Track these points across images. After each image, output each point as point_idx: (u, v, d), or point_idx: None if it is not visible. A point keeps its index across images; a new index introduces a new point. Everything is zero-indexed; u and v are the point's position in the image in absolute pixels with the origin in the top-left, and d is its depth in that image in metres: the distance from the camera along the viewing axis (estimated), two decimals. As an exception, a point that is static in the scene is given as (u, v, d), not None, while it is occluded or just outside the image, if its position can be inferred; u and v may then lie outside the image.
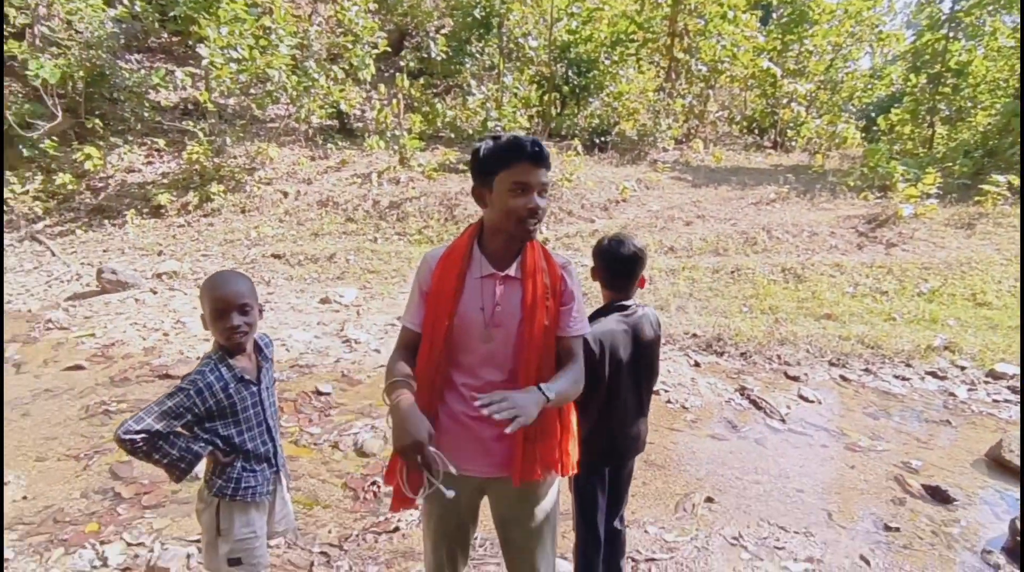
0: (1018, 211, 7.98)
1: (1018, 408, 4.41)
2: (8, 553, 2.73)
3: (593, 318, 2.03)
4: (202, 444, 1.79)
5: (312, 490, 3.24)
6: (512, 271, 1.61)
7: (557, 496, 1.78)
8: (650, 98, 12.59)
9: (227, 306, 1.77)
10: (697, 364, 5.07)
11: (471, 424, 1.63)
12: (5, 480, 3.29)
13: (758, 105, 13.84)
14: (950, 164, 10.35)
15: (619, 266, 2.07)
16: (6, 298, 6.53)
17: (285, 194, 9.06)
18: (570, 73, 11.93)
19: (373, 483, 3.27)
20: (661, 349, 2.27)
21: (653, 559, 2.76)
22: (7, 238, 8.17)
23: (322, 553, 2.75)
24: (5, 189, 8.49)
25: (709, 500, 3.24)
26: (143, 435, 1.66)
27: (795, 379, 4.85)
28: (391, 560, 2.72)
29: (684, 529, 2.99)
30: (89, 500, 3.14)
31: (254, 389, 1.87)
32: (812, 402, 4.48)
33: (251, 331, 1.84)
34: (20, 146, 8.73)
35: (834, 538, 2.98)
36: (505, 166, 1.51)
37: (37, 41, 9.15)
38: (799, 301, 6.35)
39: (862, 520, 3.14)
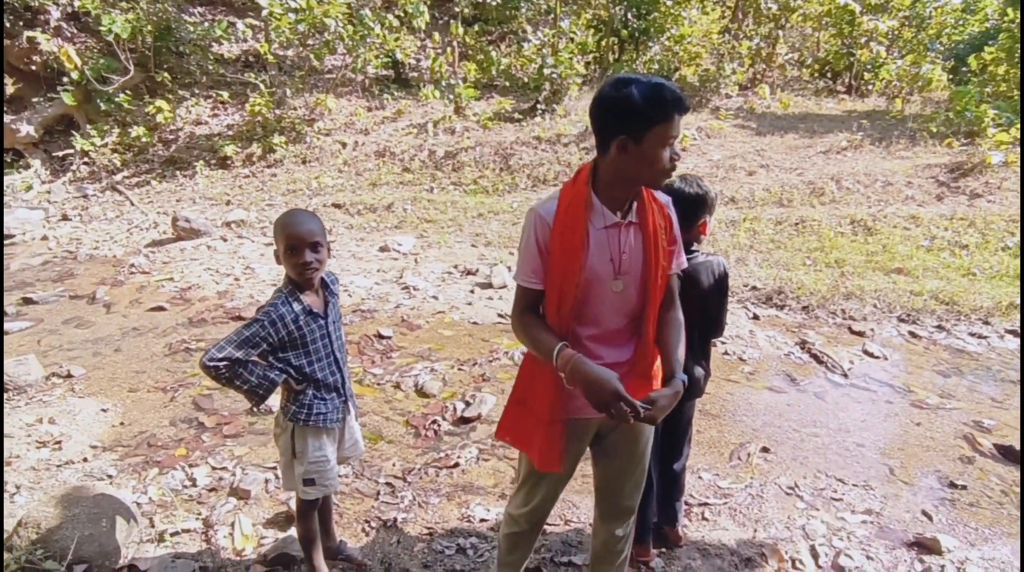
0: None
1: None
2: (111, 470, 3.03)
3: None
4: (277, 372, 1.92)
5: (376, 426, 3.42)
6: (632, 217, 1.60)
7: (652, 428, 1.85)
8: (714, 41, 11.91)
9: (300, 243, 1.86)
10: (756, 317, 4.97)
11: None
12: (104, 408, 3.63)
13: (832, 46, 12.86)
14: (1049, 107, 9.45)
15: (687, 203, 2.03)
16: (95, 244, 7.00)
17: (344, 145, 9.20)
18: (629, 16, 11.40)
19: (433, 421, 3.42)
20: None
21: (707, 504, 2.81)
22: (92, 188, 8.69)
23: (387, 484, 2.92)
24: (87, 142, 8.96)
25: (765, 450, 3.24)
26: (225, 362, 1.81)
27: (860, 334, 4.69)
28: (452, 493, 2.87)
29: (739, 477, 3.01)
30: (177, 428, 3.42)
31: (322, 322, 1.98)
32: (877, 358, 4.34)
33: (321, 268, 1.94)
34: (98, 100, 9.16)
35: (895, 493, 2.93)
36: (666, 118, 1.43)
37: (108, -4, 9.43)
38: (868, 254, 6.06)
39: (926, 477, 3.07)
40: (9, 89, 9.25)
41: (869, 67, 12.08)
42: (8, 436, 3.27)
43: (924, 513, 2.79)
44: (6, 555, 2.22)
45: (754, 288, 5.40)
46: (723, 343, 4.47)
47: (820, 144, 8.80)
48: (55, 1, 9.19)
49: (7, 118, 9.16)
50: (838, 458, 3.20)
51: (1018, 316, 4.89)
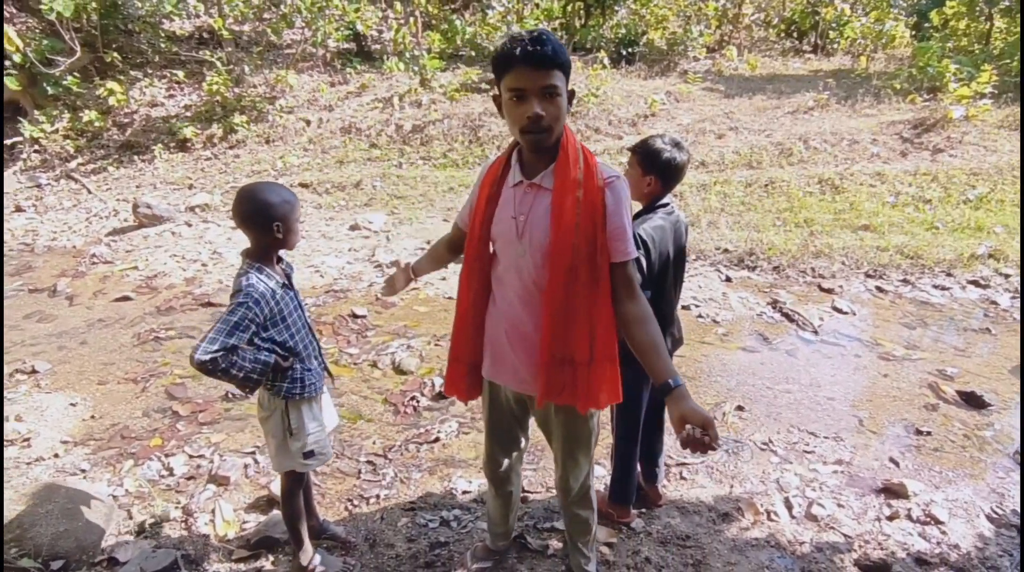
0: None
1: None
2: (84, 465, 2.97)
3: (639, 216, 2.09)
4: (266, 353, 1.88)
5: (355, 406, 3.41)
6: (542, 181, 1.53)
7: (593, 423, 1.77)
8: (680, 3, 11.82)
9: (297, 212, 1.89)
10: (728, 279, 5.03)
11: (502, 338, 1.67)
12: (72, 402, 3.54)
13: (798, 5, 12.86)
14: (1007, 61, 9.62)
15: (675, 171, 2.07)
16: (52, 235, 6.76)
17: (308, 122, 8.97)
18: (595, -21, 11.22)
19: (412, 398, 3.41)
20: (691, 264, 2.30)
21: (684, 463, 2.86)
22: (45, 177, 8.35)
23: (368, 462, 2.92)
24: (35, 129, 8.57)
25: (739, 409, 3.31)
26: (221, 353, 1.72)
27: (829, 292, 4.79)
28: (433, 467, 2.88)
29: (714, 436, 3.07)
30: (150, 418, 3.36)
31: (291, 293, 1.97)
32: (846, 314, 4.44)
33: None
34: (44, 84, 8.73)
35: (864, 442, 3.03)
36: (505, 71, 1.39)
37: (46, -28, 8.93)
38: (836, 213, 6.16)
39: (893, 426, 3.18)
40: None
41: (834, 26, 12.12)
42: (-27, 436, 3.18)
43: (892, 460, 2.89)
44: (-22, 556, 2.17)
45: (726, 250, 5.45)
46: (696, 306, 4.52)
47: (787, 105, 8.85)
48: (-10, -21, 8.67)
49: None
50: (810, 412, 3.29)
51: (980, 267, 5.03)
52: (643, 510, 2.55)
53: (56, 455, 3.05)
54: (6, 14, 9.05)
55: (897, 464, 2.86)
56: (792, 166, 7.24)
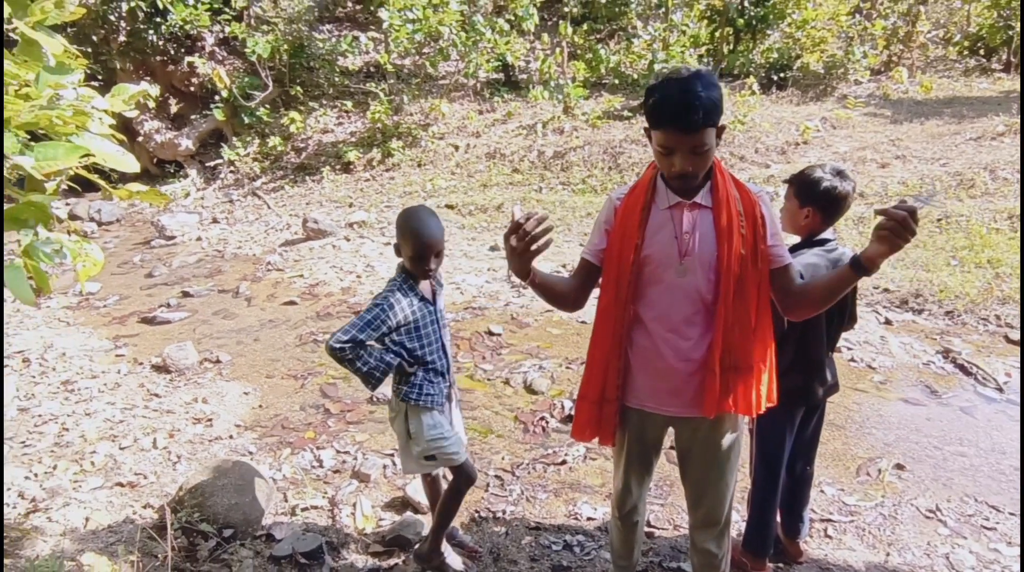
0: None
1: None
2: (251, 448, 3.37)
3: (793, 251, 1.98)
4: (392, 355, 2.05)
5: (486, 420, 3.54)
6: (700, 199, 1.56)
7: (741, 434, 1.77)
8: (842, 23, 11.02)
9: (429, 251, 2.00)
10: (888, 322, 4.55)
11: (658, 364, 1.64)
12: (246, 391, 4.04)
13: (986, 19, 11.43)
14: None
15: (836, 201, 1.95)
16: (238, 244, 7.79)
17: (456, 147, 9.55)
18: (746, 3, 10.83)
19: (541, 418, 3.47)
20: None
21: (830, 520, 2.63)
22: (236, 193, 9.69)
23: (496, 476, 3.01)
24: (233, 152, 10.00)
25: (899, 467, 2.97)
26: (350, 344, 1.95)
27: (1018, 344, 4.15)
28: (559, 490, 2.90)
29: (867, 494, 2.79)
30: (306, 413, 3.74)
31: (431, 308, 2.10)
32: (1040, 371, 3.82)
33: (439, 269, 2.10)
34: (242, 115, 10.19)
35: (1061, 524, 2.58)
36: (656, 126, 1.45)
37: (252, 21, 10.45)
38: (1030, 254, 5.34)
39: (1102, 509, 2.67)
40: (172, 108, 10.55)
41: (1033, 41, 10.60)
42: (170, 412, 3.75)
43: (1099, 551, 2.43)
44: (171, 517, 2.55)
45: (886, 290, 4.95)
46: (849, 349, 4.15)
47: (970, 130, 7.87)
48: (210, 29, 10.30)
49: (171, 134, 10.45)
50: (990, 482, 2.87)
51: None
52: (780, 565, 2.37)
53: (231, 436, 3.50)
54: (219, 57, 10.67)
55: (1106, 556, 2.40)
56: (974, 199, 6.41)
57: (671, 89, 1.39)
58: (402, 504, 2.84)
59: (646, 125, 1.53)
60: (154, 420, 3.65)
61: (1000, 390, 3.64)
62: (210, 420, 3.65)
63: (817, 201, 1.95)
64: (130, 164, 1.45)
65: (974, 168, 6.82)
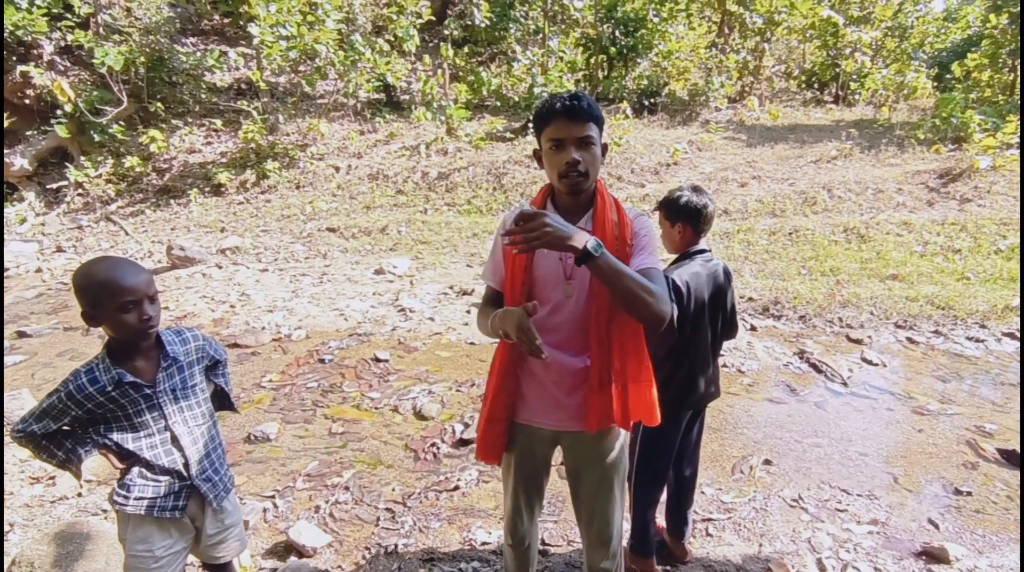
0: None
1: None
2: (105, 505, 2.98)
3: (677, 262, 2.12)
4: (89, 447, 1.67)
5: (375, 451, 3.39)
6: (583, 223, 1.63)
7: (624, 447, 1.83)
8: (701, 55, 12.10)
9: (140, 295, 1.55)
10: (753, 328, 4.96)
11: (546, 380, 1.70)
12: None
13: (818, 57, 13.07)
14: (1034, 111, 9.57)
15: (698, 213, 2.10)
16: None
17: (337, 169, 9.25)
18: (617, 33, 11.57)
19: (432, 444, 3.38)
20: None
21: (710, 519, 2.77)
22: (86, 218, 8.70)
23: (387, 509, 2.88)
24: (81, 173, 9.00)
25: (767, 463, 3.21)
26: (22, 436, 1.59)
27: (858, 342, 4.69)
28: (452, 516, 2.83)
29: (741, 491, 2.98)
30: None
31: (148, 392, 1.62)
32: (876, 365, 4.33)
33: (157, 323, 1.63)
34: (91, 132, 9.21)
35: (900, 501, 2.90)
36: (546, 124, 1.57)
37: (101, 30, 9.54)
38: (862, 262, 6.09)
39: (930, 484, 3.05)
40: (3, 123, 9.30)
41: (855, 77, 12.26)
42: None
43: (930, 521, 2.76)
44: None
45: (750, 299, 5.40)
46: (721, 355, 4.45)
47: (810, 154, 8.89)
48: (48, 36, 9.28)
49: None
50: (841, 468, 3.18)
51: (1015, 318, 4.90)
52: (668, 568, 2.46)
53: (79, 494, 3.07)
54: (60, 67, 9.62)
55: (936, 526, 2.73)
56: (816, 214, 7.21)
57: (560, 95, 1.56)
58: (285, 549, 2.63)
59: (535, 146, 1.64)
60: (-21, 484, 3.13)
61: (845, 384, 4.07)
62: (52, 478, 3.19)
63: (683, 216, 2.11)
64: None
65: (815, 187, 7.69)
